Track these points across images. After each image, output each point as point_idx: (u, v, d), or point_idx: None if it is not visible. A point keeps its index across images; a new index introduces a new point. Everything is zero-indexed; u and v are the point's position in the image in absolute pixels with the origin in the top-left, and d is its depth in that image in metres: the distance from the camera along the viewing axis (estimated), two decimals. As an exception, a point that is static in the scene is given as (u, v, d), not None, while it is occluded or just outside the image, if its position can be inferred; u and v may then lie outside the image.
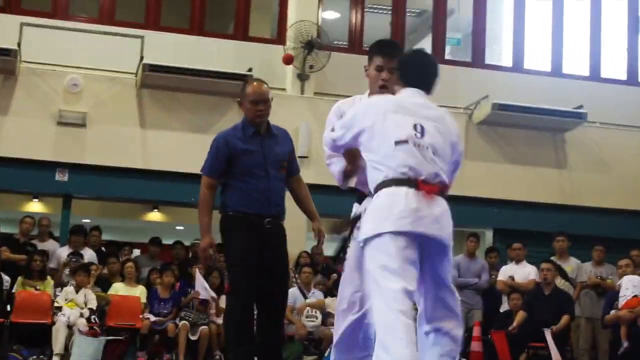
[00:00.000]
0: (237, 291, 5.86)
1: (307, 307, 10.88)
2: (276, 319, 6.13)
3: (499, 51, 15.15)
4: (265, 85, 6.11)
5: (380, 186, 4.41)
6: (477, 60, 14.09)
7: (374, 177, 4.46)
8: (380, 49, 5.10)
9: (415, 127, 4.44)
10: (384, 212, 4.34)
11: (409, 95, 4.61)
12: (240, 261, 5.86)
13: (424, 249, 4.37)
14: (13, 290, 10.59)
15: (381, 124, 4.45)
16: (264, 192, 5.99)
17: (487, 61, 14.19)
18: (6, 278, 10.70)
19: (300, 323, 10.75)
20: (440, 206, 4.38)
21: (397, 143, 4.39)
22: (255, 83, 6.10)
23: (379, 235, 4.33)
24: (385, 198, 4.36)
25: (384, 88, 5.01)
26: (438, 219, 4.35)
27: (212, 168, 6.02)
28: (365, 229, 4.44)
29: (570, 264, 11.55)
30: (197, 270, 10.49)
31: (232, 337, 5.87)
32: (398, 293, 4.21)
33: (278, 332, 6.19)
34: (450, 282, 4.51)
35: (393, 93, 4.82)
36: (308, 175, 12.49)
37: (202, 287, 10.39)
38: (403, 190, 4.32)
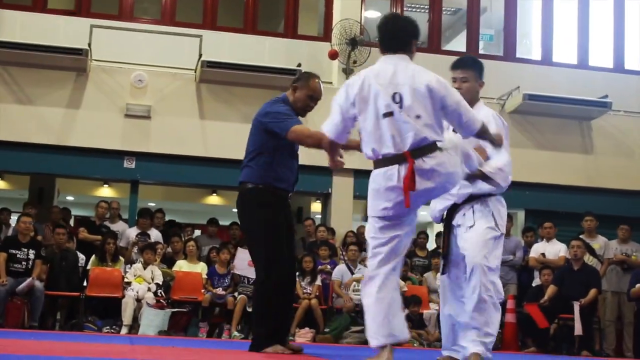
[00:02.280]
0: (275, 263, 5.47)
1: (354, 282, 10.84)
2: (291, 287, 5.86)
3: (529, 45, 14.98)
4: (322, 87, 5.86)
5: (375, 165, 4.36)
6: (509, 54, 13.91)
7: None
8: (453, 64, 5.15)
9: (394, 97, 4.25)
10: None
11: (381, 68, 4.39)
12: (277, 234, 5.53)
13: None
14: (88, 267, 10.71)
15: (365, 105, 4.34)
16: (293, 170, 5.73)
17: (518, 55, 14.01)
18: (81, 256, 10.84)
19: (347, 296, 10.72)
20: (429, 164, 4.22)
21: (383, 116, 4.24)
22: (318, 81, 5.78)
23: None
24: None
25: None
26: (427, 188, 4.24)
27: (293, 121, 5.49)
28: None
29: (598, 242, 11.43)
30: (239, 247, 10.58)
31: (264, 310, 5.51)
32: None
33: (293, 298, 6.13)
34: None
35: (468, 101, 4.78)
36: (352, 160, 12.44)
37: (239, 263, 10.46)
38: (395, 168, 4.24)
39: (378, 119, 4.24)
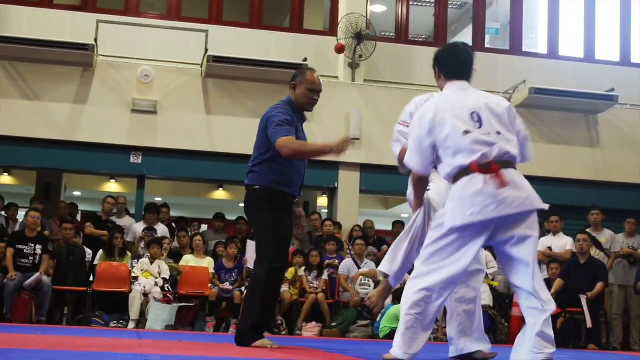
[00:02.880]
0: (275, 263, 5.48)
1: (361, 276, 10.84)
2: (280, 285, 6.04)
3: (535, 39, 14.93)
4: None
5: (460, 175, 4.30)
6: (515, 48, 13.88)
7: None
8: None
9: (472, 116, 4.32)
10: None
11: (451, 94, 4.48)
12: (283, 235, 5.58)
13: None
14: (95, 262, 10.72)
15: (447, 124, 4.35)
16: (300, 175, 5.74)
17: (524, 49, 13.98)
18: (88, 251, 10.85)
19: (354, 291, 10.72)
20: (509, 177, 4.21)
21: (465, 132, 4.27)
22: (314, 73, 5.81)
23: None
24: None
25: None
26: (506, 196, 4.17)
27: (286, 131, 5.48)
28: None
29: (605, 236, 11.41)
30: (248, 241, 10.56)
31: (257, 301, 5.47)
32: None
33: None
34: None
35: None
36: (359, 155, 12.56)
37: (251, 255, 10.43)
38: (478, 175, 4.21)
39: (458, 137, 4.28)
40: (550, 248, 11.24)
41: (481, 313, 5.01)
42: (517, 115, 4.53)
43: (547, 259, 11.08)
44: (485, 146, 4.23)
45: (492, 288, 10.72)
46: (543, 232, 11.79)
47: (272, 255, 5.50)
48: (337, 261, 11.20)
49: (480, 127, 4.29)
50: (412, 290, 4.29)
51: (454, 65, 4.59)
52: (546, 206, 4.23)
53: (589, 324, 10.13)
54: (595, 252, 10.98)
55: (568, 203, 12.90)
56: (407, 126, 4.85)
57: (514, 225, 4.20)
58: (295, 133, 5.59)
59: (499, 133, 4.29)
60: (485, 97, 4.45)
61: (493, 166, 4.18)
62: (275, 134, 5.49)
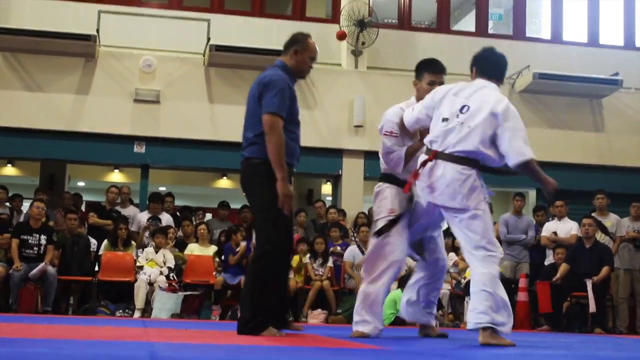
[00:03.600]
0: (277, 238, 5.14)
1: (365, 263, 10.83)
2: (288, 264, 5.82)
3: (539, 24, 14.90)
4: None
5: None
6: (518, 33, 13.85)
7: None
8: (431, 67, 5.83)
9: (461, 109, 5.09)
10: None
11: (469, 86, 5.23)
12: (286, 214, 5.16)
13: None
14: (100, 252, 10.74)
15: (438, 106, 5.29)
16: (298, 142, 5.41)
17: (528, 34, 13.95)
18: (93, 241, 10.87)
19: (359, 277, 10.71)
20: (441, 171, 5.02)
21: (443, 120, 5.14)
22: (313, 41, 5.58)
23: None
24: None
25: None
26: (433, 184, 5.08)
27: (283, 108, 5.17)
28: None
29: (610, 220, 11.37)
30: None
31: (262, 287, 5.12)
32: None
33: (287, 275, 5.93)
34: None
35: None
36: (362, 142, 12.56)
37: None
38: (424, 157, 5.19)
39: (439, 121, 5.16)
40: (555, 233, 11.24)
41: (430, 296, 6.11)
42: (509, 115, 5.05)
43: (552, 243, 11.08)
44: (444, 135, 5.05)
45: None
46: (548, 217, 11.80)
47: (272, 235, 5.15)
48: (339, 248, 11.20)
49: (458, 118, 5.05)
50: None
51: (487, 66, 5.33)
52: (450, 204, 5.05)
53: (592, 308, 10.13)
54: (600, 237, 10.96)
55: (573, 188, 12.85)
56: (396, 136, 5.65)
57: (454, 212, 5.08)
58: (293, 102, 5.32)
59: (470, 127, 5.00)
60: (487, 97, 5.09)
61: (432, 156, 5.07)
62: (271, 103, 5.17)
